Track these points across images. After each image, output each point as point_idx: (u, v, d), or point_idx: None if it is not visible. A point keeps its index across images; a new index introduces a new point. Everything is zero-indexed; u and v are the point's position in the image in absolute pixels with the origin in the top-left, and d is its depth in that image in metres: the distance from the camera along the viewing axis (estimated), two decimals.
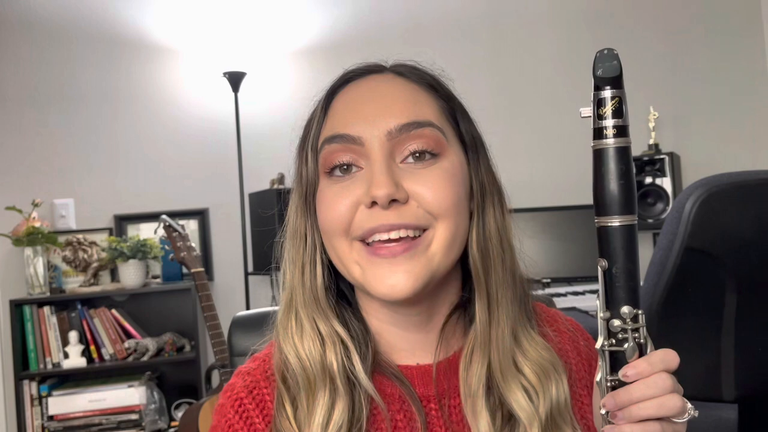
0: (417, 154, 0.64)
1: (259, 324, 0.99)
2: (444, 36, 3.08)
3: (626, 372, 0.56)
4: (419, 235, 0.63)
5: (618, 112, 0.56)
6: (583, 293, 2.52)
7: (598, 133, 0.57)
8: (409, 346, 0.69)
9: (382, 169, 0.62)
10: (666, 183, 2.76)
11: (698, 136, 3.09)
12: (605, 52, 0.57)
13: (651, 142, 2.89)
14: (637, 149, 2.86)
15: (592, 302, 2.43)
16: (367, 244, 0.64)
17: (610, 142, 0.57)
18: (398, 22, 3.07)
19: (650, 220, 2.75)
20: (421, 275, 0.62)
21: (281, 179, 2.81)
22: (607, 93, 0.56)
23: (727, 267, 1.29)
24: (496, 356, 0.65)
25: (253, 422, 0.65)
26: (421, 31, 3.06)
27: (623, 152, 0.57)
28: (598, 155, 0.57)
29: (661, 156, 2.77)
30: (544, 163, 3.06)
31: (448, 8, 3.10)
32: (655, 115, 2.90)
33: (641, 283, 1.40)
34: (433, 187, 0.63)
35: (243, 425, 0.65)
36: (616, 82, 0.57)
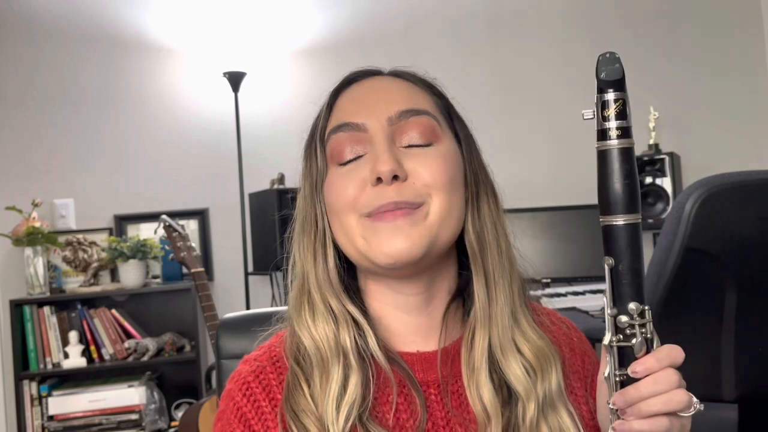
0: (414, 140, 0.69)
1: (247, 326, 0.99)
2: (444, 36, 3.08)
3: (635, 368, 0.58)
4: (417, 208, 0.68)
5: (621, 114, 0.58)
6: (583, 293, 2.52)
7: (603, 135, 0.59)
8: (410, 331, 0.73)
9: (384, 149, 0.68)
10: (666, 183, 2.76)
11: (698, 136, 3.09)
12: (607, 55, 0.58)
13: (651, 142, 2.89)
14: (637, 149, 2.84)
15: (592, 302, 2.43)
16: (371, 216, 0.68)
17: (614, 143, 0.58)
18: (398, 22, 3.07)
19: (650, 220, 2.75)
20: (420, 241, 0.67)
21: (281, 179, 2.81)
22: (610, 95, 0.58)
23: (727, 267, 1.29)
24: (495, 333, 0.69)
25: (260, 405, 0.69)
26: (422, 31, 3.06)
27: (627, 153, 0.58)
28: (603, 156, 0.59)
29: (661, 156, 2.77)
30: (544, 163, 3.06)
31: (448, 8, 3.10)
32: (655, 115, 2.90)
33: None
34: (430, 166, 0.68)
35: (251, 407, 0.68)
36: (619, 85, 0.58)
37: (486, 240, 0.71)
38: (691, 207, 1.24)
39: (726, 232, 1.29)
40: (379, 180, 0.67)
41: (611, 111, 0.58)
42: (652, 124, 2.89)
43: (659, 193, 2.77)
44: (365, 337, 0.69)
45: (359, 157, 0.70)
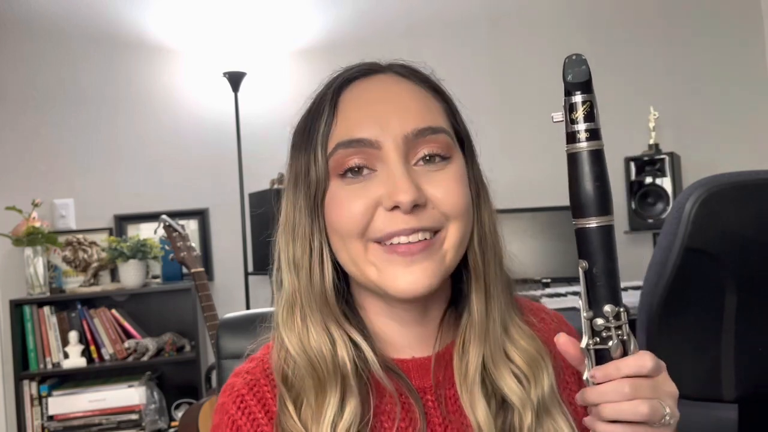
0: (428, 158, 0.65)
1: (247, 326, 0.99)
2: (444, 35, 3.08)
3: (594, 373, 0.58)
4: (433, 236, 0.65)
5: (590, 116, 0.58)
6: None
7: (572, 138, 0.59)
8: (405, 340, 0.71)
9: (404, 174, 0.63)
10: (666, 183, 2.76)
11: (698, 136, 3.09)
12: (574, 57, 0.58)
13: (651, 142, 2.88)
14: (638, 149, 2.86)
15: None
16: (383, 244, 0.64)
17: (584, 145, 0.58)
18: (398, 22, 3.07)
19: (650, 220, 2.75)
20: (435, 273, 0.64)
21: (281, 179, 2.80)
22: (578, 98, 0.58)
23: (727, 267, 1.29)
24: (488, 346, 0.68)
25: (256, 417, 0.66)
26: (421, 31, 3.06)
27: (597, 155, 0.58)
28: (573, 159, 0.59)
29: (661, 156, 2.77)
30: (544, 162, 3.05)
31: (448, 8, 3.10)
32: (655, 115, 2.90)
33: (641, 284, 1.39)
34: (448, 191, 0.65)
35: (246, 421, 0.66)
36: (586, 87, 0.58)
37: (487, 252, 0.69)
38: (691, 207, 1.24)
39: (726, 232, 1.29)
40: (395, 207, 0.62)
41: (579, 113, 0.58)
42: (652, 124, 2.89)
43: (659, 193, 2.77)
44: (364, 356, 0.66)
45: (367, 172, 0.64)
